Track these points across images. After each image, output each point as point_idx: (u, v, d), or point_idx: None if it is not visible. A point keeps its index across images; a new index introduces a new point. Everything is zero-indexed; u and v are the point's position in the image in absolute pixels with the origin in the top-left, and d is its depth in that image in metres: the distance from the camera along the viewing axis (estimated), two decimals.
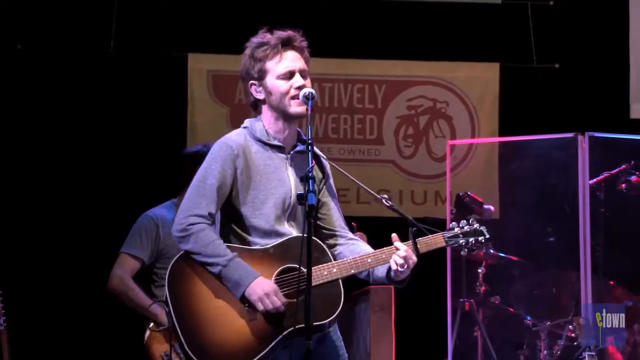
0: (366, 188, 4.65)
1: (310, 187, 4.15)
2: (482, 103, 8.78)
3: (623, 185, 7.35)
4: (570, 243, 7.39)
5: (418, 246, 4.38)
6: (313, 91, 4.41)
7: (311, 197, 4.13)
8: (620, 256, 7.54)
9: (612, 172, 7.38)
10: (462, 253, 4.55)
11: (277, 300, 4.28)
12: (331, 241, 4.54)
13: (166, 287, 4.39)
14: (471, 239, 4.51)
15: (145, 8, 8.43)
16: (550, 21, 8.73)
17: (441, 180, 8.48)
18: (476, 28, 8.71)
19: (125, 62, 8.32)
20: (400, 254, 4.33)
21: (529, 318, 7.48)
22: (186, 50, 8.49)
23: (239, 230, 4.45)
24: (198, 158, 6.10)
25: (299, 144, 4.54)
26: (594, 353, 6.52)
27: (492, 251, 7.46)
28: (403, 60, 8.77)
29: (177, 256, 4.42)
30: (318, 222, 4.52)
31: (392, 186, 8.71)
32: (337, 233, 4.57)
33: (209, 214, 4.37)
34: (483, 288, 7.49)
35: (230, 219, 4.46)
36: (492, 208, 7.65)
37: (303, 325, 4.21)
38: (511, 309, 7.59)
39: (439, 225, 7.70)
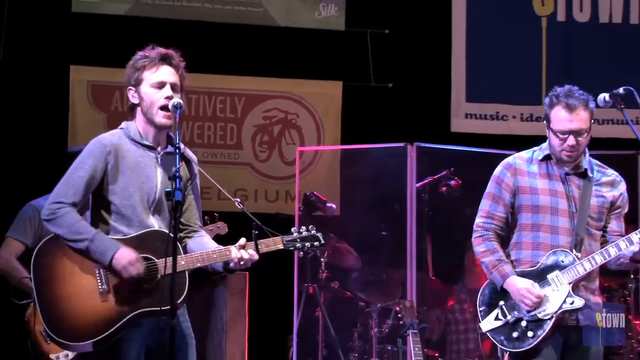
0: (224, 190, 4.71)
1: (177, 185, 4.14)
2: (327, 115, 8.89)
3: (444, 188, 7.49)
4: (399, 237, 7.46)
5: (259, 247, 4.39)
6: (181, 101, 4.39)
7: (177, 194, 4.11)
8: (440, 248, 7.70)
9: (435, 177, 7.50)
10: (299, 255, 4.60)
11: (138, 268, 4.26)
12: (183, 234, 4.53)
13: (32, 266, 4.35)
14: (307, 244, 4.48)
15: (33, 22, 8.28)
16: (386, 47, 8.89)
17: (291, 182, 8.53)
18: (323, 51, 8.82)
19: (14, 69, 8.15)
20: (242, 253, 4.35)
21: (363, 300, 7.55)
22: (69, 62, 8.36)
23: (107, 218, 4.40)
24: None
25: (169, 146, 4.49)
26: (416, 330, 6.62)
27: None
28: (260, 77, 8.83)
29: (45, 239, 4.38)
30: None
31: (249, 186, 8.74)
32: (190, 228, 4.56)
33: (74, 202, 4.33)
34: (325, 274, 7.53)
35: (101, 207, 4.42)
36: (334, 206, 7.72)
37: (150, 308, 4.26)
38: (348, 293, 7.66)
39: (289, 220, 7.82)
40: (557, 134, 4.80)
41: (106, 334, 4.24)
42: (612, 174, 4.99)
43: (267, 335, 7.89)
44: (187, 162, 4.55)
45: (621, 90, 4.79)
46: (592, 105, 4.82)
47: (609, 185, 4.94)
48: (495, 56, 8.89)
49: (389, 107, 8.81)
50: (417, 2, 8.96)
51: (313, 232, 4.53)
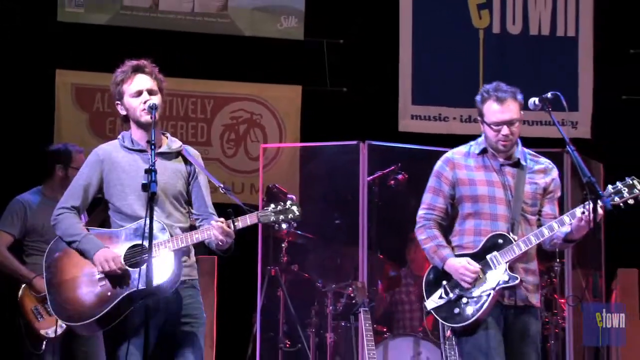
0: (213, 179, 4.78)
1: (153, 178, 4.25)
2: (288, 116, 8.91)
3: (392, 182, 7.54)
4: (352, 225, 7.49)
5: (235, 223, 4.43)
6: (156, 102, 4.47)
7: (153, 187, 4.25)
8: (388, 235, 7.73)
9: (384, 171, 7.55)
10: (276, 227, 4.54)
11: (113, 265, 4.41)
12: (198, 222, 4.65)
13: (44, 261, 4.58)
14: (281, 216, 4.49)
15: (22, 30, 8.23)
16: (341, 55, 8.93)
17: (255, 175, 8.54)
18: (284, 58, 8.84)
19: (4, 73, 8.09)
20: (219, 230, 4.40)
21: (319, 282, 7.59)
22: (55, 66, 8.35)
23: (114, 218, 4.60)
24: (58, 155, 6.11)
25: (162, 146, 4.61)
26: (367, 308, 6.66)
27: (299, 232, 7.54)
28: (228, 81, 8.84)
29: (54, 239, 4.59)
30: (190, 207, 4.68)
31: (218, 179, 8.68)
32: (202, 216, 4.65)
33: (72, 206, 4.54)
34: (285, 258, 7.54)
35: (109, 209, 4.62)
36: (294, 197, 7.56)
37: (140, 287, 4.33)
38: (306, 275, 7.68)
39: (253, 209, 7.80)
40: (491, 126, 4.80)
41: (104, 312, 4.38)
42: (544, 162, 5.00)
43: (233, 313, 7.89)
44: (187, 160, 4.68)
45: (549, 95, 4.83)
46: (519, 97, 4.86)
47: (542, 172, 4.95)
48: (438, 64, 8.98)
49: (344, 109, 8.85)
50: (369, 15, 9.01)
51: (288, 205, 4.53)
